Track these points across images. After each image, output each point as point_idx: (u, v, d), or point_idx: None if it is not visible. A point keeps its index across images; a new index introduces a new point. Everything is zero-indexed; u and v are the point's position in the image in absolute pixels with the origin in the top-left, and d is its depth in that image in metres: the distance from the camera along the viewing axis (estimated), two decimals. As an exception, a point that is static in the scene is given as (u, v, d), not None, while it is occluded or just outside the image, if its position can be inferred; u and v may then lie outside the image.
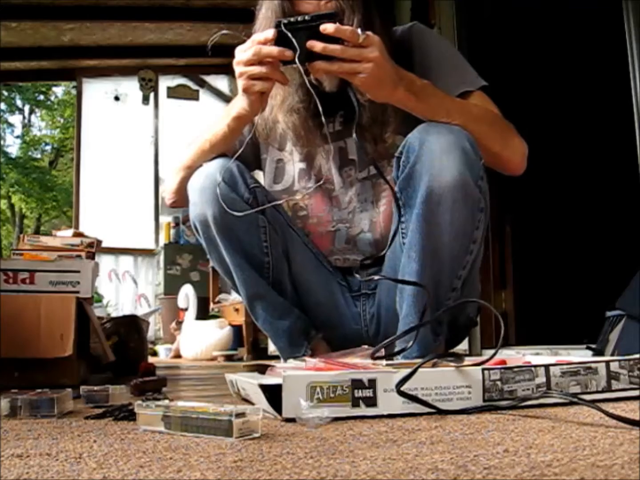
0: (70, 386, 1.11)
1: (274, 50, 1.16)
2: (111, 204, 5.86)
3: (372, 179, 1.47)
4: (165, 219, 5.90)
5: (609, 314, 1.85)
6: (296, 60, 1.14)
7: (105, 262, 5.64)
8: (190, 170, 1.42)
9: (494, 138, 1.31)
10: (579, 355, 1.56)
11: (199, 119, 5.69)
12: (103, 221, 5.64)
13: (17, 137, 14.33)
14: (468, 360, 1.00)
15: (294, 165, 1.52)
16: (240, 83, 1.22)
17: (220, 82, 6.35)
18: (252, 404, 0.94)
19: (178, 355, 4.42)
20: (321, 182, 1.47)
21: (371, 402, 0.86)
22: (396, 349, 1.17)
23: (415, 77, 1.25)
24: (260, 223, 1.41)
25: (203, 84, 6.33)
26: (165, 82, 6.21)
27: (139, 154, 6.12)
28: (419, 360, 0.95)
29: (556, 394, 0.88)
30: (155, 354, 4.68)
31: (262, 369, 1.12)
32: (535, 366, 0.93)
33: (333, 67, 1.15)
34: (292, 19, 1.15)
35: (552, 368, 0.93)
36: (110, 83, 6.10)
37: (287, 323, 1.44)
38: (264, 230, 1.41)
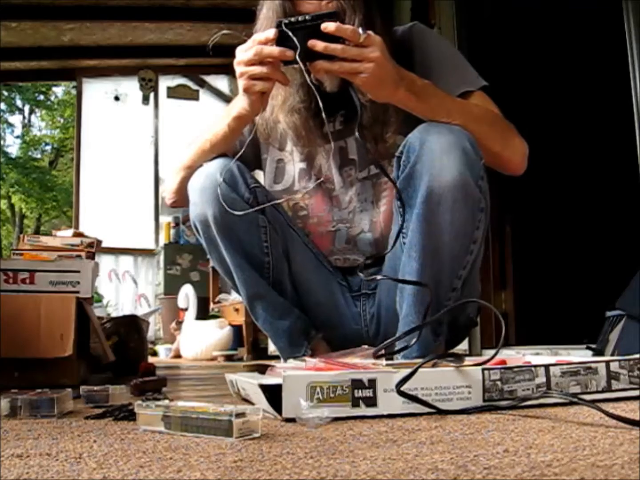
0: (70, 386, 1.11)
1: (275, 50, 1.16)
2: (111, 204, 5.86)
3: (372, 178, 1.47)
4: (165, 219, 5.90)
5: (609, 314, 1.85)
6: (297, 59, 1.13)
7: (105, 262, 5.64)
8: (191, 170, 1.42)
9: (495, 138, 1.31)
10: (579, 355, 1.56)
11: (199, 119, 5.69)
12: (103, 221, 5.64)
13: (17, 137, 14.35)
14: (468, 361, 1.00)
15: (295, 165, 1.52)
16: (241, 83, 1.22)
17: (220, 82, 6.35)
18: (252, 404, 0.94)
19: (178, 355, 4.42)
20: (320, 179, 1.47)
21: (371, 402, 0.86)
22: (397, 348, 1.17)
23: (416, 77, 1.25)
24: (260, 223, 1.41)
25: (203, 84, 6.33)
26: (165, 82, 6.21)
27: (139, 154, 6.12)
28: (419, 361, 0.95)
29: (556, 394, 0.88)
30: (155, 354, 4.68)
31: (262, 369, 1.12)
32: (535, 366, 0.93)
33: (334, 67, 1.15)
34: (292, 19, 1.15)
35: (552, 368, 0.93)
36: (110, 83, 6.10)
37: (287, 323, 1.44)
38: (264, 230, 1.41)
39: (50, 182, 13.87)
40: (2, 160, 12.32)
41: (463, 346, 2.39)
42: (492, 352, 1.01)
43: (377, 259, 1.42)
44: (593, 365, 0.95)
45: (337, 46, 1.13)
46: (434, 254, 1.24)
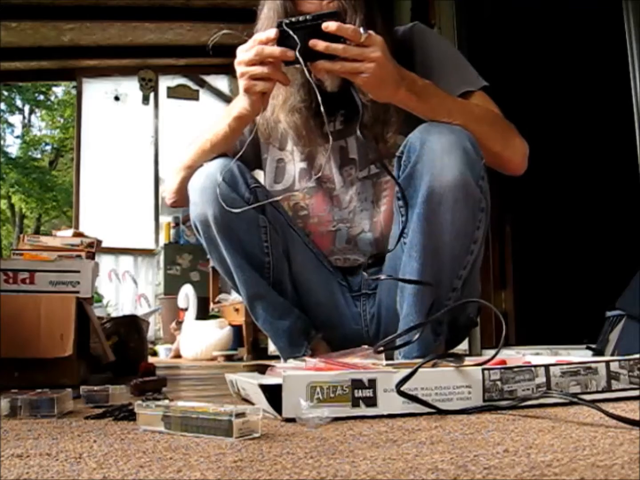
0: (70, 386, 1.11)
1: (275, 50, 1.16)
2: (111, 204, 5.86)
3: (372, 178, 1.47)
4: (165, 219, 5.90)
5: (609, 314, 1.85)
6: (299, 57, 1.13)
7: (105, 262, 5.64)
8: (191, 170, 1.42)
9: (495, 138, 1.31)
10: (579, 355, 1.56)
11: (199, 119, 5.69)
12: (103, 221, 5.64)
13: (17, 137, 14.34)
14: (468, 361, 1.00)
15: (295, 165, 1.53)
16: (242, 83, 1.22)
17: (220, 82, 6.35)
18: (252, 404, 0.94)
19: (178, 355, 4.42)
20: (318, 174, 1.47)
21: (371, 402, 0.86)
22: (398, 345, 1.17)
23: (417, 77, 1.25)
24: (260, 223, 1.41)
25: (203, 84, 6.33)
26: (165, 82, 6.21)
27: (139, 154, 6.12)
28: (419, 360, 0.95)
29: (556, 394, 0.88)
30: (155, 354, 4.68)
31: (262, 369, 1.12)
32: (535, 366, 0.93)
33: (335, 67, 1.15)
34: (293, 19, 1.15)
35: (552, 368, 0.93)
36: (110, 83, 6.10)
37: (287, 323, 1.44)
38: (264, 230, 1.41)
39: (50, 182, 13.87)
40: (2, 160, 12.32)
41: (463, 346, 2.39)
42: (492, 352, 1.01)
43: (377, 259, 1.42)
44: (593, 365, 0.95)
45: (338, 46, 1.13)
46: (434, 253, 1.24)
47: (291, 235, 1.48)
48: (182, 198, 1.47)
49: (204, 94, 6.33)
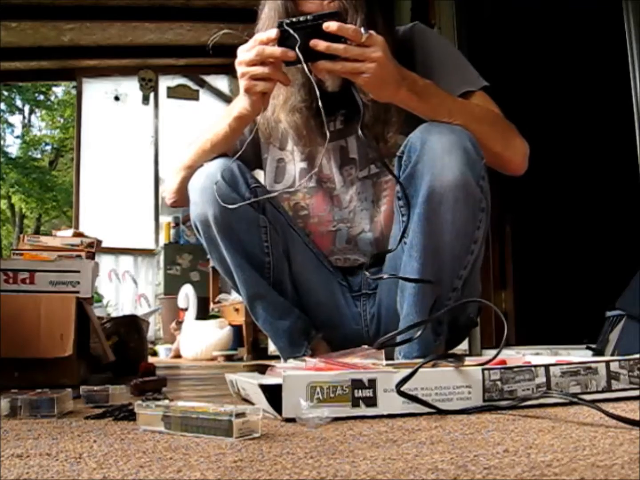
0: (70, 386, 1.11)
1: (276, 50, 1.16)
2: (111, 204, 5.86)
3: (372, 177, 1.47)
4: (165, 219, 5.90)
5: (609, 314, 1.85)
6: (299, 57, 1.13)
7: (105, 262, 5.64)
8: (191, 170, 1.42)
9: (496, 138, 1.31)
10: (579, 355, 1.56)
11: (199, 119, 5.69)
12: (103, 221, 5.64)
13: (17, 137, 14.34)
14: (469, 361, 1.00)
15: (295, 164, 1.53)
16: (242, 83, 1.22)
17: (220, 82, 6.35)
18: (252, 404, 0.94)
19: (178, 355, 4.42)
20: (315, 170, 1.47)
21: (371, 402, 0.86)
22: (398, 343, 1.17)
23: (418, 77, 1.25)
24: (261, 223, 1.41)
25: (203, 84, 6.33)
26: (165, 82, 6.21)
27: (139, 154, 6.12)
28: (419, 361, 0.95)
29: (556, 394, 0.88)
30: (155, 354, 4.68)
31: (262, 369, 1.12)
32: (535, 366, 0.93)
33: (336, 67, 1.15)
34: (294, 19, 1.15)
35: (552, 368, 0.93)
36: (110, 83, 6.10)
37: (288, 323, 1.44)
38: (264, 230, 1.41)
39: (50, 182, 13.87)
40: (2, 160, 12.32)
41: (463, 346, 2.39)
42: (492, 352, 1.01)
43: (377, 259, 1.42)
44: (593, 365, 0.95)
45: (339, 46, 1.13)
46: (434, 253, 1.24)
47: (291, 235, 1.48)
48: (182, 198, 1.47)
49: (204, 94, 6.33)
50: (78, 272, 1.66)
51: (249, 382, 0.96)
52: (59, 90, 13.79)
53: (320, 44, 1.13)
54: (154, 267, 5.99)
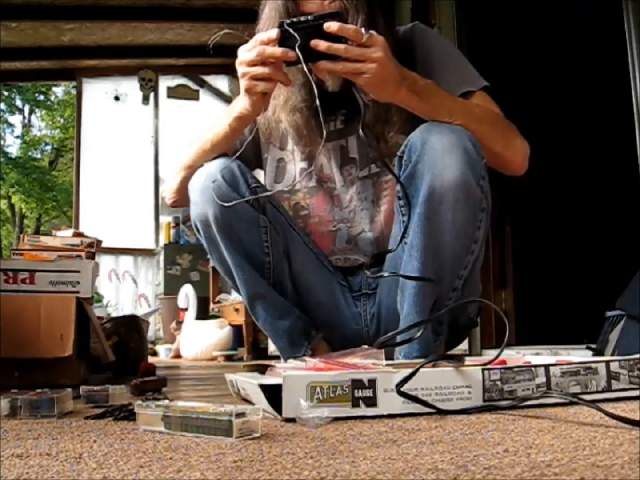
0: (70, 386, 1.11)
1: (277, 51, 1.16)
2: (111, 204, 5.86)
3: (372, 177, 1.47)
4: (165, 219, 5.90)
5: (609, 314, 1.85)
6: (300, 56, 1.13)
7: (105, 262, 5.64)
8: (191, 169, 1.42)
9: (496, 138, 1.31)
10: (579, 355, 1.56)
11: (199, 119, 5.70)
12: (103, 221, 5.65)
13: (17, 137, 14.34)
14: (469, 361, 1.00)
15: (295, 164, 1.53)
16: (243, 83, 1.22)
17: (220, 82, 6.35)
18: (252, 404, 0.94)
19: (178, 355, 4.42)
20: (311, 168, 1.47)
21: (371, 402, 0.86)
22: (398, 343, 1.17)
23: (418, 77, 1.25)
24: (261, 223, 1.41)
25: (203, 84, 6.33)
26: (165, 82, 6.21)
27: (139, 154, 6.12)
28: (419, 361, 0.95)
29: (556, 394, 0.88)
30: (155, 354, 4.68)
31: (262, 369, 1.12)
32: (535, 366, 0.93)
33: (337, 67, 1.15)
34: (295, 19, 1.15)
35: (552, 368, 0.93)
36: (110, 83, 6.10)
37: (288, 323, 1.44)
38: (264, 230, 1.41)
39: (50, 182, 13.87)
40: (2, 160, 12.32)
41: (463, 346, 2.39)
42: (491, 352, 1.01)
43: (378, 258, 1.42)
44: (593, 365, 0.95)
45: (340, 46, 1.13)
46: (435, 253, 1.24)
47: (291, 235, 1.48)
48: (182, 198, 1.48)
49: (204, 94, 6.33)
50: (78, 272, 1.66)
51: (249, 382, 0.96)
52: (59, 90, 13.80)
53: (320, 44, 1.13)
54: (154, 267, 5.99)
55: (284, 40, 1.15)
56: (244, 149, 1.33)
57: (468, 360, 1.00)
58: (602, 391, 0.94)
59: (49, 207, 14.02)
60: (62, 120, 14.01)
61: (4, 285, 1.59)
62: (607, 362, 0.96)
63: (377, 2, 1.35)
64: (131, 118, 6.13)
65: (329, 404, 0.83)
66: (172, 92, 6.21)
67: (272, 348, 3.54)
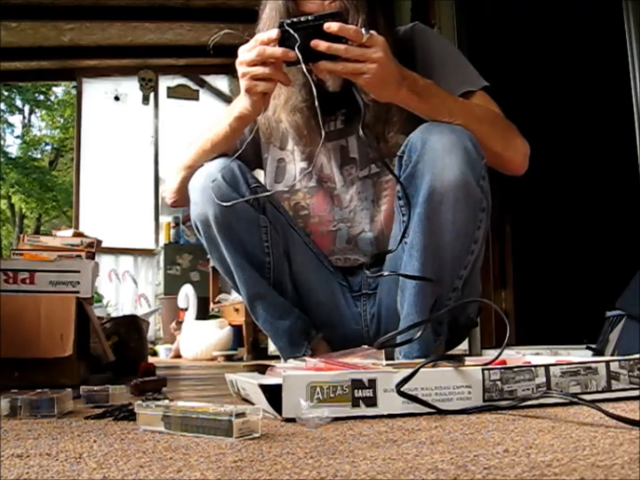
0: (70, 386, 1.11)
1: (277, 51, 1.16)
2: (111, 204, 5.86)
3: (372, 177, 1.47)
4: (165, 219, 5.91)
5: (609, 314, 1.85)
6: (299, 57, 1.13)
7: (105, 262, 5.64)
8: (191, 169, 1.42)
9: (496, 138, 1.31)
10: (579, 355, 1.56)
11: (199, 119, 5.70)
12: (103, 221, 5.65)
13: (17, 137, 14.34)
14: (469, 361, 1.00)
15: (296, 164, 1.53)
16: (243, 83, 1.22)
17: (220, 82, 6.35)
18: (252, 404, 0.94)
19: (178, 355, 4.42)
20: (312, 166, 1.47)
21: (371, 402, 0.86)
22: (398, 343, 1.17)
23: (418, 77, 1.25)
24: (261, 223, 1.41)
25: (203, 84, 6.33)
26: (165, 82, 6.21)
27: (139, 154, 6.12)
28: (419, 361, 0.95)
29: (556, 394, 0.88)
30: (155, 354, 4.68)
31: (262, 369, 1.12)
32: (535, 366, 0.93)
33: (337, 67, 1.16)
34: (295, 19, 1.15)
35: (552, 368, 0.93)
36: (110, 83, 6.10)
37: (288, 323, 1.44)
38: (265, 230, 1.41)
39: (50, 182, 13.87)
40: (2, 160, 12.32)
41: (463, 346, 2.39)
42: (491, 352, 1.01)
43: (378, 259, 1.42)
44: (593, 365, 0.95)
45: (340, 46, 1.13)
46: (435, 253, 1.24)
47: (292, 235, 1.48)
48: (182, 198, 1.48)
49: (204, 94, 6.33)
50: (78, 272, 1.66)
51: (249, 382, 0.96)
52: (59, 90, 13.80)
53: (321, 45, 1.13)
54: (154, 267, 5.99)
55: (284, 40, 1.15)
56: (244, 148, 1.33)
57: (468, 360, 1.00)
58: (602, 391, 0.94)
59: (49, 207, 14.02)
60: (62, 120, 14.01)
61: (4, 285, 1.59)
62: (607, 362, 0.96)
63: (378, 2, 1.35)
64: (131, 118, 6.13)
65: (329, 404, 0.83)
66: (172, 92, 6.21)
67: (272, 348, 3.54)
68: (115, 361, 1.81)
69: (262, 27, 1.36)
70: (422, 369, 0.88)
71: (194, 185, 1.39)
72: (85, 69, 5.96)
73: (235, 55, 1.22)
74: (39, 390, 1.01)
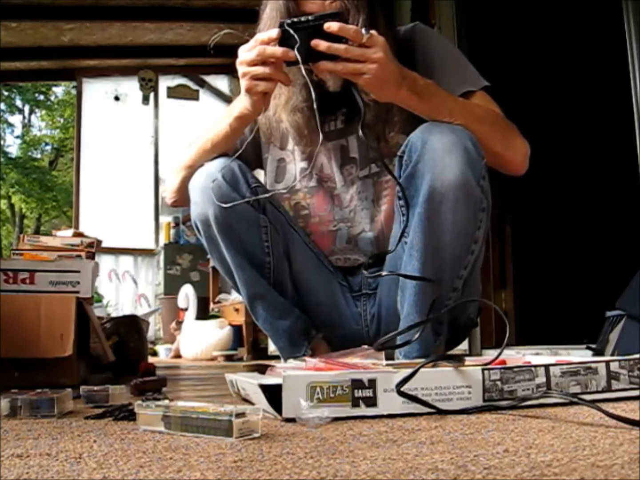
0: (70, 386, 1.11)
1: (277, 50, 1.16)
2: (111, 204, 5.86)
3: (373, 177, 1.47)
4: (165, 219, 5.91)
5: (609, 314, 1.85)
6: (298, 57, 1.13)
7: (105, 262, 5.64)
8: (192, 169, 1.42)
9: (496, 138, 1.31)
10: (579, 355, 1.56)
11: (199, 119, 5.70)
12: (103, 221, 5.65)
13: (17, 137, 14.34)
14: (469, 361, 1.00)
15: (296, 164, 1.53)
16: (243, 83, 1.22)
17: (220, 82, 6.35)
18: (252, 404, 0.94)
19: (178, 355, 4.42)
20: (312, 165, 1.47)
21: (371, 402, 0.86)
22: (398, 343, 1.17)
23: (419, 77, 1.25)
24: (261, 223, 1.41)
25: (203, 84, 6.33)
26: (165, 82, 6.21)
27: (139, 154, 6.12)
28: (419, 361, 0.95)
29: (556, 394, 0.88)
30: (155, 354, 4.68)
31: (262, 369, 1.12)
32: (535, 366, 0.93)
33: (337, 67, 1.16)
34: (295, 19, 1.15)
35: (552, 368, 0.93)
36: (110, 83, 6.10)
37: (288, 323, 1.44)
38: (265, 230, 1.41)
39: (50, 182, 13.87)
40: (2, 160, 12.32)
41: (463, 346, 2.39)
42: (491, 352, 1.01)
43: (378, 258, 1.42)
44: (593, 365, 0.95)
45: (340, 46, 1.13)
46: (435, 253, 1.24)
47: (292, 235, 1.48)
48: (182, 197, 1.48)
49: (204, 94, 6.33)
50: (78, 272, 1.66)
51: (249, 382, 0.96)
52: (59, 90, 13.80)
53: (321, 44, 1.13)
54: (154, 267, 5.99)
55: (284, 40, 1.15)
56: (245, 148, 1.33)
57: (468, 360, 1.00)
58: (602, 391, 0.94)
59: (49, 207, 14.02)
60: (62, 120, 14.01)
61: (4, 285, 1.59)
62: (607, 362, 0.96)
63: (378, 2, 1.35)
64: (131, 118, 6.13)
65: (329, 404, 0.83)
66: (172, 92, 6.21)
67: (272, 348, 3.54)
68: (115, 361, 1.81)
69: (262, 27, 1.36)
70: (422, 369, 0.88)
71: (194, 185, 1.39)
72: (85, 69, 5.96)
73: (235, 55, 1.22)
74: (39, 390, 1.01)
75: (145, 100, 6.13)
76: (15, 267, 1.63)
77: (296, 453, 0.63)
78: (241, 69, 1.21)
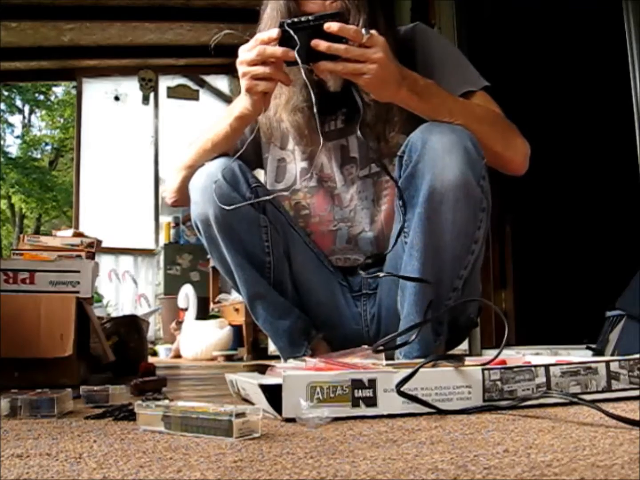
0: (70, 386, 1.11)
1: (277, 50, 1.16)
2: (111, 204, 5.86)
3: (373, 177, 1.47)
4: (165, 219, 5.91)
5: (609, 314, 1.85)
6: (297, 58, 1.13)
7: (105, 262, 5.64)
8: (192, 169, 1.42)
9: (496, 138, 1.31)
10: (579, 355, 1.56)
11: (199, 119, 5.70)
12: (103, 221, 5.65)
13: (17, 137, 14.34)
14: (469, 361, 1.00)
15: (296, 164, 1.53)
16: (243, 83, 1.22)
17: (220, 82, 6.35)
18: (252, 404, 0.94)
19: (178, 355, 4.42)
20: (313, 166, 1.47)
21: (371, 402, 0.86)
22: (397, 344, 1.17)
23: (419, 77, 1.25)
24: (261, 223, 1.41)
25: (203, 84, 6.33)
26: (165, 82, 6.21)
27: (139, 154, 6.12)
28: (419, 361, 0.95)
29: (556, 394, 0.88)
30: (155, 354, 4.68)
31: (262, 369, 1.12)
32: (535, 366, 0.93)
33: (337, 68, 1.16)
34: (296, 19, 1.15)
35: (552, 368, 0.93)
36: (110, 83, 6.10)
37: (288, 323, 1.44)
38: (265, 230, 1.41)
39: (50, 182, 13.87)
40: (2, 160, 12.32)
41: (463, 346, 2.39)
42: (492, 352, 1.01)
43: (378, 258, 1.42)
44: (593, 365, 0.95)
45: (340, 46, 1.13)
46: (435, 253, 1.24)
47: (292, 235, 1.48)
48: (183, 197, 1.48)
49: (204, 94, 6.34)
50: (78, 272, 1.66)
51: (249, 382, 0.96)
52: (59, 90, 13.80)
53: (321, 44, 1.13)
54: (154, 267, 6.00)
55: (284, 40, 1.15)
56: (245, 148, 1.33)
57: (468, 360, 1.00)
58: (602, 391, 0.94)
59: (49, 207, 14.02)
60: (62, 120, 14.01)
61: (4, 285, 1.59)
62: (607, 362, 0.96)
63: (378, 2, 1.35)
64: (131, 118, 6.13)
65: (329, 404, 0.83)
66: (172, 92, 6.21)
67: (272, 348, 3.54)
68: (115, 361, 1.81)
69: (263, 27, 1.36)
70: (422, 369, 0.88)
71: (195, 185, 1.39)
72: (85, 69, 5.96)
73: (235, 55, 1.22)
74: (39, 390, 1.01)
75: (145, 100, 6.13)
76: (15, 267, 1.63)
77: (296, 453, 0.63)
78: (241, 68, 1.21)
